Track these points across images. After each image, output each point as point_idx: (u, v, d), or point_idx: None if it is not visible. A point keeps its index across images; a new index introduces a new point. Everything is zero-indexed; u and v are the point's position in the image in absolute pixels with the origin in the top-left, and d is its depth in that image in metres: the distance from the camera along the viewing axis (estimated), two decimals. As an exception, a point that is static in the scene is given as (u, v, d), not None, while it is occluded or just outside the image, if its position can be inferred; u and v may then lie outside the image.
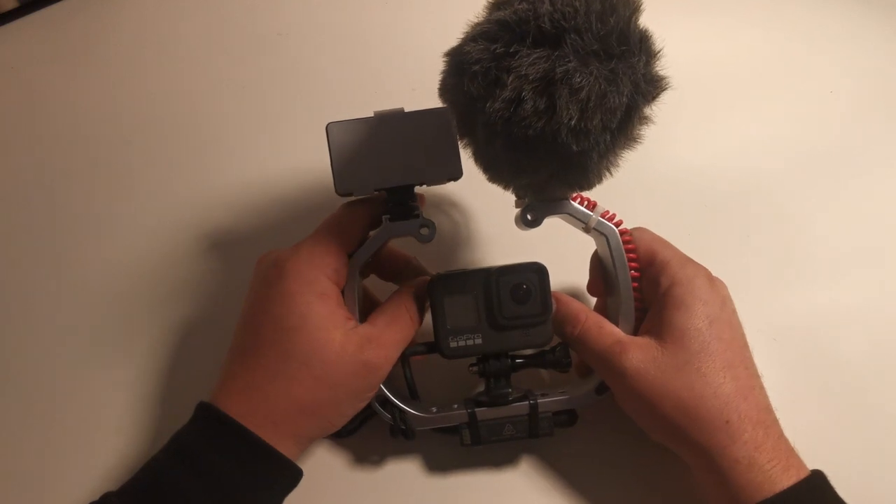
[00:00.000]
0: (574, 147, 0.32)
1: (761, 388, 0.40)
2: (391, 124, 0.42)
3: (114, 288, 0.51)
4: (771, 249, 0.52)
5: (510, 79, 0.31)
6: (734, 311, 0.42)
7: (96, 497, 0.37)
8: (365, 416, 0.44)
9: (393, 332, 0.41)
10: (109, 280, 0.51)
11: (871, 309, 0.50)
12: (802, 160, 0.55)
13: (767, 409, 0.39)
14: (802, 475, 0.37)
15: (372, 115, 0.42)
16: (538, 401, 0.42)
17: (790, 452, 0.38)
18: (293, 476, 0.39)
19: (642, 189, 0.53)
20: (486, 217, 0.51)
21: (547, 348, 0.43)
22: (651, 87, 0.34)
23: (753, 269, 0.51)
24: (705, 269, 0.42)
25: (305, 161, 0.53)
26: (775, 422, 0.39)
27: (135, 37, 0.59)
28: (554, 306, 0.42)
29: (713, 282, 0.42)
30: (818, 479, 0.38)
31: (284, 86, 0.57)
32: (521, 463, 0.45)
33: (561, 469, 0.45)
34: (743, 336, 0.41)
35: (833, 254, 0.52)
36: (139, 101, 0.57)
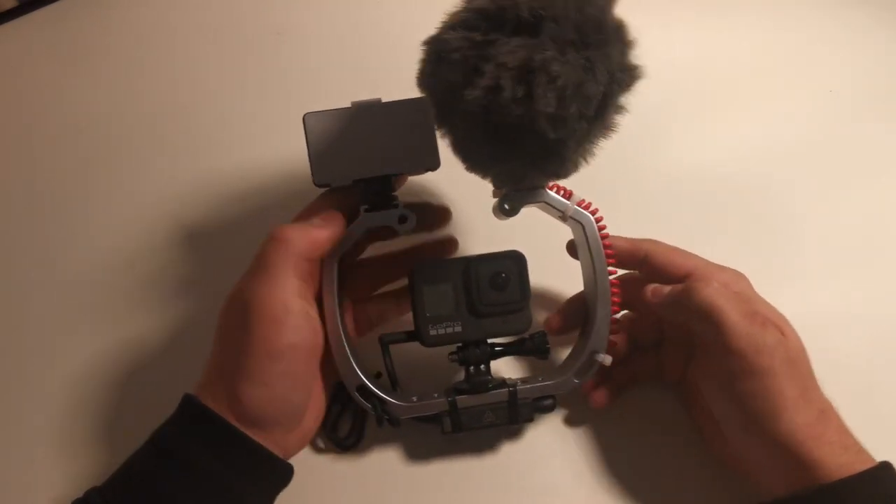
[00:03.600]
0: (551, 134, 0.33)
1: None
2: (369, 114, 0.41)
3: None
4: (770, 249, 0.52)
5: (489, 67, 0.32)
6: None
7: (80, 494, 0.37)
8: (361, 426, 0.46)
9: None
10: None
11: (870, 308, 0.50)
12: (801, 160, 0.55)
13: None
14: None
15: (349, 105, 0.42)
16: (518, 387, 0.43)
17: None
18: (282, 473, 0.39)
19: (641, 190, 0.54)
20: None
21: (526, 335, 0.44)
22: (626, 75, 0.34)
23: (752, 268, 0.51)
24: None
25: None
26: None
27: (133, 36, 0.60)
28: (531, 294, 0.43)
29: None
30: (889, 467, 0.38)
31: (283, 85, 0.57)
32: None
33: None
34: None
35: (833, 253, 0.52)
36: (138, 100, 0.57)
